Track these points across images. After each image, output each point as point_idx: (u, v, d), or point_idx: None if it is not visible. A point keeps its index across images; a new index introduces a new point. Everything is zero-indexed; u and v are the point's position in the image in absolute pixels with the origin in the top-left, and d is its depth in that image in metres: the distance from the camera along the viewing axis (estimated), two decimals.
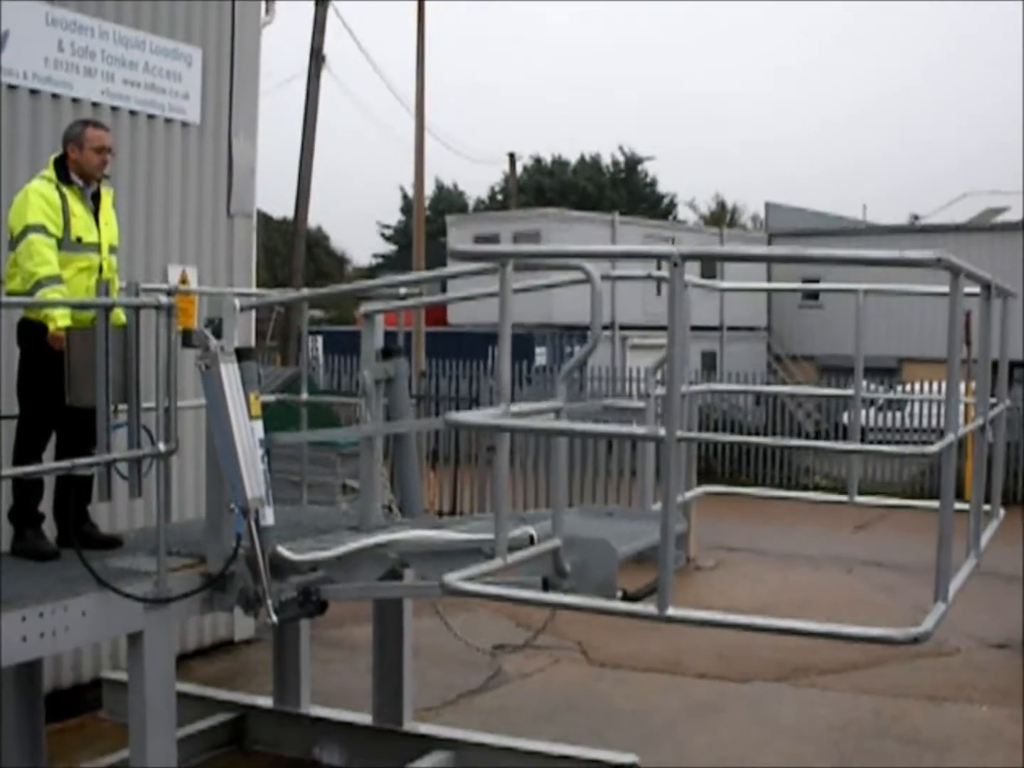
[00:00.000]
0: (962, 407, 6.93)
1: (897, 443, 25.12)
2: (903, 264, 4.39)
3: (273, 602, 7.00)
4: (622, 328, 36.48)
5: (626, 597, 6.15)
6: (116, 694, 9.41)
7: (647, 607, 4.90)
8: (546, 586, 6.16)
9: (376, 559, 7.05)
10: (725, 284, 9.48)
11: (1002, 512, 6.95)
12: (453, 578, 5.07)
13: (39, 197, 7.44)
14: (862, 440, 26.24)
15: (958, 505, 5.11)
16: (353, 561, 7.09)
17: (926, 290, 8.07)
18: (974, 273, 5.36)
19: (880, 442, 25.78)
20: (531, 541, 6.13)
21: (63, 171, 7.63)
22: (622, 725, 9.82)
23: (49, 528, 7.78)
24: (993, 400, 6.54)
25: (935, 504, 5.15)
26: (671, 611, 4.80)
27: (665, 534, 4.81)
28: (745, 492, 8.70)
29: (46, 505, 7.80)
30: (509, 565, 5.41)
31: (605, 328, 35.78)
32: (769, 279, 42.91)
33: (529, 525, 6.42)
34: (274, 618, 6.99)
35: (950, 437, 5.03)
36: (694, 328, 37.84)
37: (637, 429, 5.27)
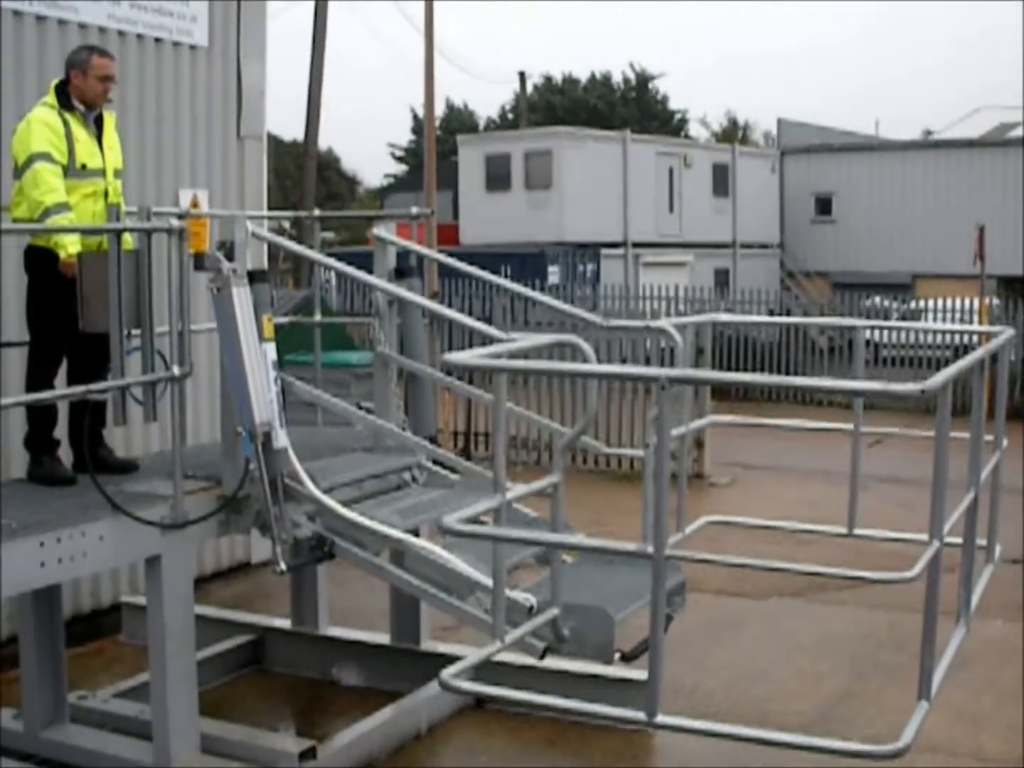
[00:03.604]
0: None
1: (912, 358, 25.13)
2: (889, 396, 4.36)
3: (287, 536, 7.07)
4: (635, 246, 36.38)
5: (623, 657, 6.33)
6: (135, 618, 9.46)
7: (637, 713, 4.79)
8: (544, 654, 6.33)
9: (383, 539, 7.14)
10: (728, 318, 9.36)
11: (999, 550, 6.81)
12: (448, 674, 5.02)
13: (42, 125, 7.35)
14: (875, 356, 26.30)
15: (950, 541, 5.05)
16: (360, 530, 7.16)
17: (917, 325, 7.94)
18: (966, 365, 5.22)
19: (895, 358, 25.77)
20: (530, 611, 6.23)
21: (65, 97, 7.53)
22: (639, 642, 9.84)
23: (66, 454, 7.80)
24: (989, 437, 6.40)
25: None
26: (660, 718, 4.71)
27: (655, 644, 4.73)
28: (753, 523, 8.65)
29: (61, 431, 7.81)
30: (507, 646, 5.42)
31: (618, 246, 35.76)
32: (782, 194, 42.82)
33: (529, 590, 6.46)
34: (283, 566, 7.07)
35: (935, 545, 4.86)
36: (707, 245, 38.05)
37: (627, 546, 5.26)
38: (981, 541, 6.40)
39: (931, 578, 4.85)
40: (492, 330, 7.04)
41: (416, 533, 7.82)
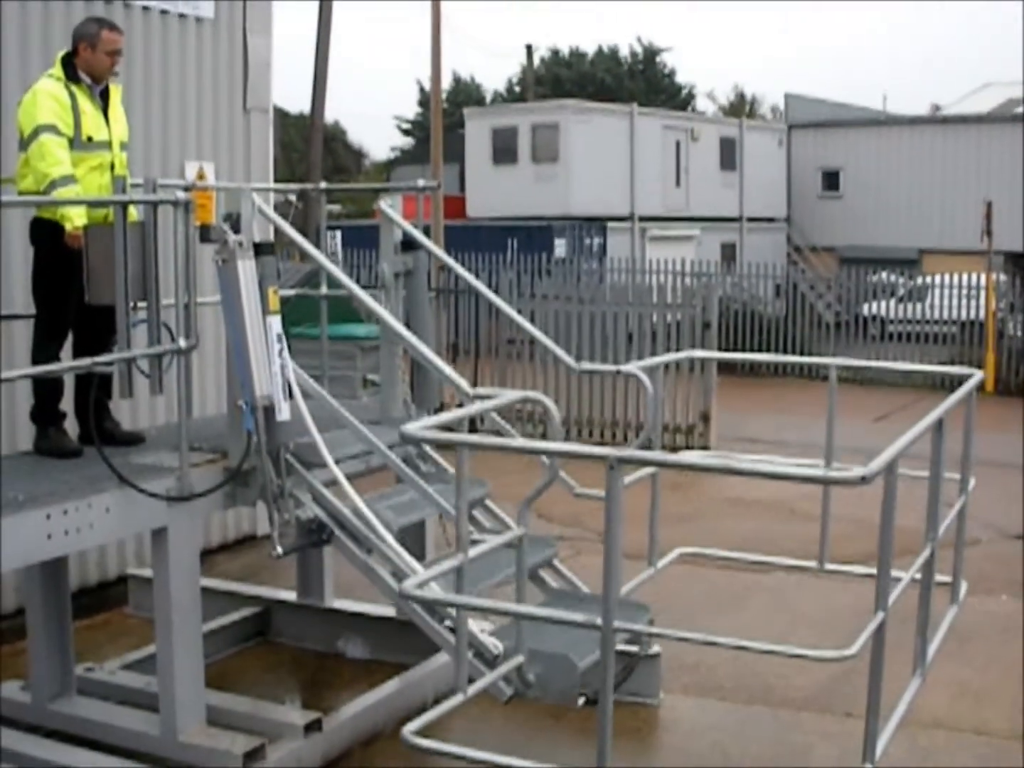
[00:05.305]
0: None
1: (919, 334, 25.16)
2: (827, 483, 4.34)
3: (288, 515, 7.13)
4: (642, 219, 36.33)
5: (587, 702, 6.35)
6: (142, 590, 9.49)
7: None
8: (511, 699, 6.40)
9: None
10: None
11: (964, 590, 6.84)
12: (409, 731, 5.04)
13: (48, 97, 7.32)
14: (882, 332, 26.31)
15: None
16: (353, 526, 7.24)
17: (892, 365, 7.91)
18: (914, 438, 5.19)
19: (901, 334, 25.78)
20: (496, 659, 6.37)
21: (71, 69, 7.49)
22: None
23: (72, 426, 7.81)
24: (953, 476, 6.39)
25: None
26: None
27: (603, 708, 4.73)
28: (725, 555, 8.70)
29: (67, 404, 7.82)
30: (470, 697, 5.47)
31: (625, 219, 35.72)
32: (789, 169, 42.77)
33: (497, 635, 6.61)
34: (279, 550, 7.13)
35: (879, 617, 4.91)
36: (714, 219, 38.00)
37: (577, 616, 5.32)
38: (945, 578, 6.49)
39: (875, 650, 4.90)
40: (462, 381, 7.01)
41: (421, 525, 7.87)
